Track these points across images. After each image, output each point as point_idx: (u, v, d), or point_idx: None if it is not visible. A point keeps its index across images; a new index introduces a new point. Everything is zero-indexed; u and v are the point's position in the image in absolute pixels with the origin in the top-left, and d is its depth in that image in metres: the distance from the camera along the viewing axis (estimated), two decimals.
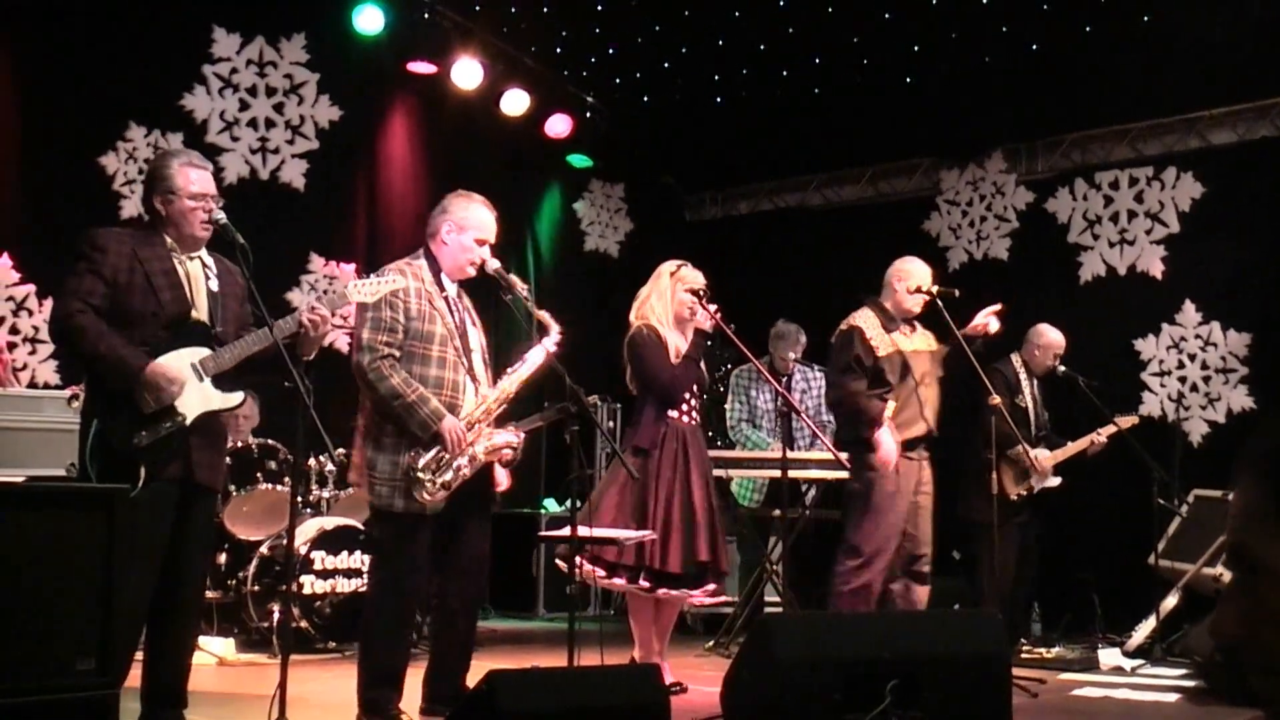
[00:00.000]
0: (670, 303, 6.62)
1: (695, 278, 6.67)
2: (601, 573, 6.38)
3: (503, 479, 5.55)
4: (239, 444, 7.98)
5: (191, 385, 4.86)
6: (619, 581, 6.42)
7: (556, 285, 11.58)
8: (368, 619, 5.39)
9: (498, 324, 8.23)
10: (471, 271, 5.48)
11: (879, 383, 6.95)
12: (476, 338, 5.50)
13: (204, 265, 5.07)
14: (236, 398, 5.03)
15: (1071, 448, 8.64)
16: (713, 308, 6.57)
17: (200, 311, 4.99)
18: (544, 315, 5.51)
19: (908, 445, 6.93)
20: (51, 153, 8.40)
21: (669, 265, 6.77)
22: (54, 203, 8.33)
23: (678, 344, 6.57)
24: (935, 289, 7.04)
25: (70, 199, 8.41)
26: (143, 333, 4.83)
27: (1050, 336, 8.81)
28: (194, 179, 5.00)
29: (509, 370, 5.49)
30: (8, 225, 8.25)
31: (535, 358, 5.48)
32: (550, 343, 5.50)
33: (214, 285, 5.06)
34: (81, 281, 4.80)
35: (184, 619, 5.06)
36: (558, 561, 6.68)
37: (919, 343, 7.13)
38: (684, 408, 6.56)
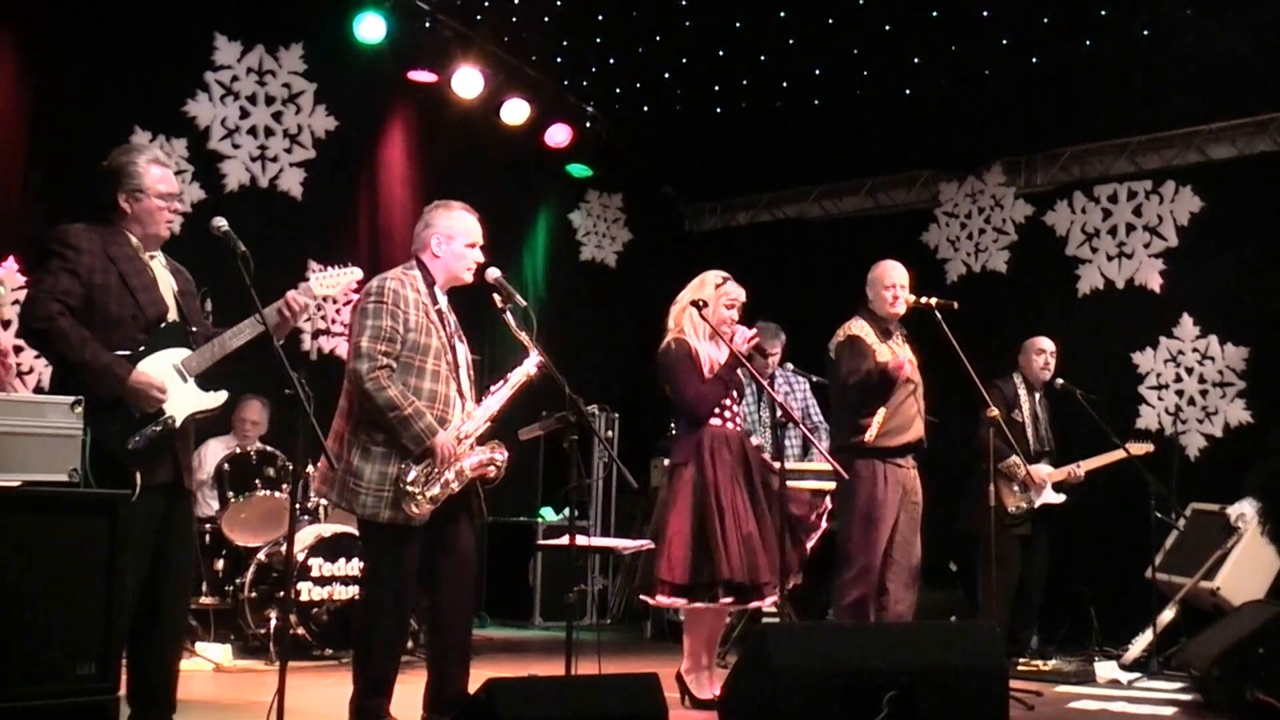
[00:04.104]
0: (710, 316, 6.48)
1: (738, 293, 6.56)
2: (682, 600, 6.34)
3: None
4: (240, 450, 7.99)
5: (177, 388, 4.86)
6: (699, 605, 6.35)
7: (554, 295, 11.60)
8: (360, 629, 5.37)
9: (493, 336, 8.24)
10: (469, 277, 5.48)
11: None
12: (463, 353, 5.49)
13: (162, 264, 5.08)
14: (220, 397, 5.03)
15: (1083, 465, 8.65)
16: (750, 332, 6.50)
17: (172, 312, 5.00)
18: (525, 339, 5.49)
19: (899, 452, 6.93)
20: (58, 156, 8.38)
21: (713, 276, 6.60)
22: (61, 206, 8.29)
23: (713, 356, 6.47)
24: (934, 300, 7.04)
25: (77, 202, 8.40)
26: (121, 335, 4.81)
27: (1039, 342, 8.86)
28: (161, 178, 5.02)
29: (493, 389, 5.48)
30: (14, 229, 8.25)
31: (517, 377, 5.47)
32: (531, 364, 5.48)
33: (174, 284, 5.08)
34: (58, 280, 4.76)
35: (173, 621, 5.05)
36: (645, 598, 6.56)
37: (906, 351, 7.12)
38: (725, 415, 6.47)
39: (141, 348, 4.84)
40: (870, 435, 6.88)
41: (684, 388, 6.42)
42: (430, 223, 5.47)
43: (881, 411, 6.89)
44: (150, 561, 4.80)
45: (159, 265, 5.05)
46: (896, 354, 6.96)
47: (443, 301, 5.44)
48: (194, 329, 5.04)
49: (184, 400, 4.89)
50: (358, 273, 5.40)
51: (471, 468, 5.31)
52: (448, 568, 5.35)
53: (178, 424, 4.86)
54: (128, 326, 4.84)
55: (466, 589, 5.44)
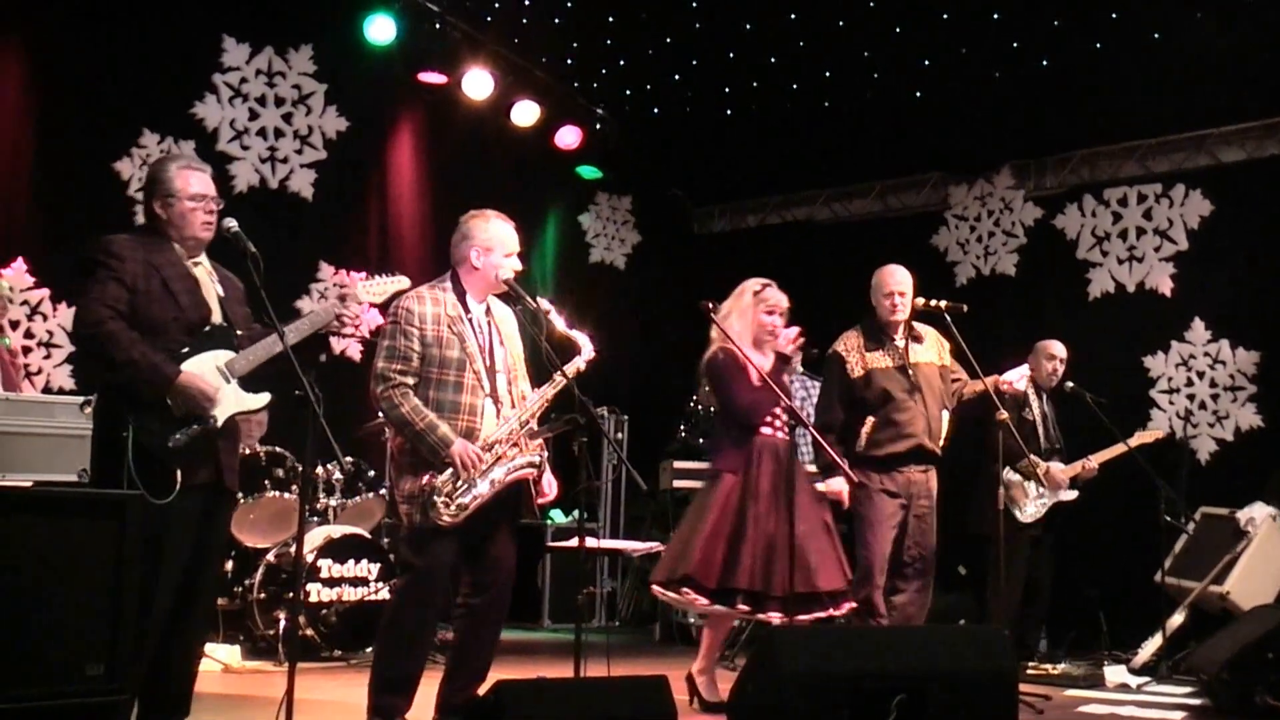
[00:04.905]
0: (750, 323, 6.47)
1: (778, 299, 6.55)
2: (704, 600, 6.29)
3: (549, 488, 5.54)
4: (246, 450, 7.98)
5: (221, 389, 4.87)
6: (718, 607, 6.30)
7: (563, 296, 11.59)
8: (385, 626, 5.38)
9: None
10: (505, 287, 5.48)
11: (855, 406, 6.95)
12: (504, 358, 5.49)
13: (208, 270, 5.09)
14: (264, 398, 5.04)
15: (1095, 459, 8.63)
16: (793, 332, 6.48)
17: (216, 315, 5.01)
18: (575, 335, 5.49)
19: (893, 461, 6.88)
20: (66, 158, 8.44)
21: (752, 284, 6.59)
22: (69, 208, 8.37)
23: (760, 363, 6.41)
24: (944, 303, 7.03)
25: (85, 204, 8.46)
26: (165, 339, 4.83)
27: (1051, 347, 8.83)
28: (192, 180, 5.01)
29: (536, 390, 5.49)
30: (23, 230, 8.29)
31: (561, 378, 5.45)
32: (582, 360, 5.48)
33: (219, 290, 5.09)
34: (106, 288, 4.80)
35: (197, 625, 5.06)
36: (654, 589, 6.56)
37: (923, 355, 7.08)
38: (775, 424, 6.43)
39: (185, 349, 4.85)
40: (859, 445, 6.88)
41: (738, 395, 6.35)
42: (468, 234, 5.47)
43: (869, 421, 6.88)
44: (189, 560, 4.82)
45: (203, 271, 5.06)
46: (885, 363, 6.96)
47: (477, 311, 5.45)
48: (239, 332, 5.05)
49: (226, 401, 4.89)
50: (404, 281, 5.38)
51: (506, 474, 5.31)
52: (485, 576, 5.37)
53: (219, 424, 4.86)
54: (170, 330, 4.86)
55: (500, 599, 5.45)
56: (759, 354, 6.45)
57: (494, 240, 5.45)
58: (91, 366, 4.97)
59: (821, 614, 6.27)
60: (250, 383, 4.99)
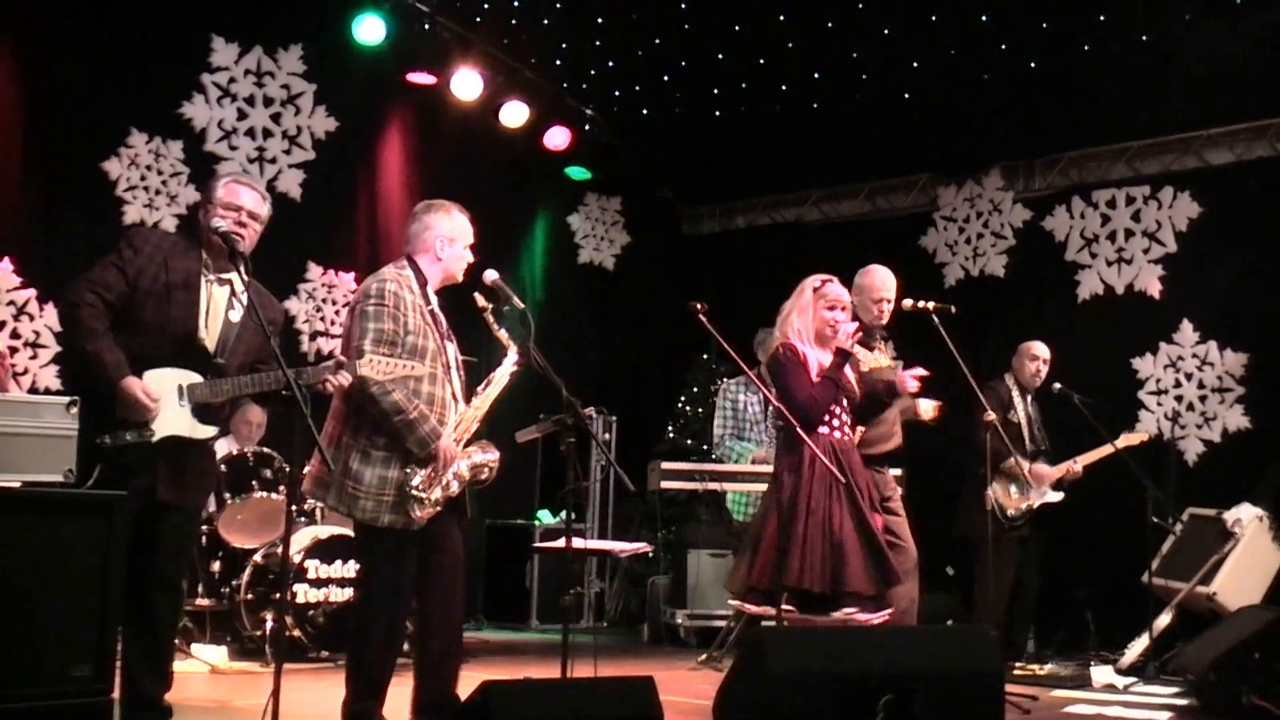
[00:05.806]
0: (811, 320, 6.42)
1: (839, 294, 6.51)
2: (752, 607, 6.18)
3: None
4: (236, 452, 7.97)
5: (170, 406, 4.85)
6: (768, 609, 6.11)
7: (552, 297, 11.60)
8: (357, 633, 5.34)
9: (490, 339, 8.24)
10: (461, 278, 5.47)
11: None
12: (453, 352, 5.47)
13: (233, 293, 5.05)
14: (209, 431, 5.02)
15: (1080, 460, 8.63)
16: (853, 326, 6.45)
17: (209, 335, 4.98)
18: (502, 336, 5.47)
19: (879, 460, 6.85)
20: (54, 157, 8.40)
21: (812, 280, 6.54)
22: (56, 207, 8.34)
23: (821, 360, 6.34)
24: (932, 304, 7.02)
25: (72, 204, 8.43)
26: (144, 342, 4.84)
27: (1033, 348, 8.82)
28: (232, 190, 5.04)
29: (479, 390, 5.45)
30: (10, 229, 8.24)
31: (502, 376, 5.44)
32: (510, 363, 5.45)
33: (234, 315, 5.05)
34: (105, 273, 4.85)
35: (159, 629, 5.05)
36: (740, 605, 6.40)
37: (884, 359, 7.08)
38: (835, 423, 6.33)
39: (161, 357, 4.85)
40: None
41: (795, 392, 6.22)
42: (430, 224, 5.42)
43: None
44: (134, 570, 4.78)
45: (223, 292, 5.05)
46: (879, 364, 6.94)
47: (434, 301, 5.41)
48: (222, 359, 5.01)
49: (170, 420, 4.87)
50: (422, 369, 5.19)
51: (469, 469, 5.30)
52: (436, 570, 5.33)
53: (154, 439, 4.84)
54: (153, 334, 4.87)
55: (456, 591, 5.41)
56: (824, 351, 6.42)
57: (457, 231, 5.44)
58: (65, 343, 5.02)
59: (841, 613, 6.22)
60: (209, 412, 4.98)
